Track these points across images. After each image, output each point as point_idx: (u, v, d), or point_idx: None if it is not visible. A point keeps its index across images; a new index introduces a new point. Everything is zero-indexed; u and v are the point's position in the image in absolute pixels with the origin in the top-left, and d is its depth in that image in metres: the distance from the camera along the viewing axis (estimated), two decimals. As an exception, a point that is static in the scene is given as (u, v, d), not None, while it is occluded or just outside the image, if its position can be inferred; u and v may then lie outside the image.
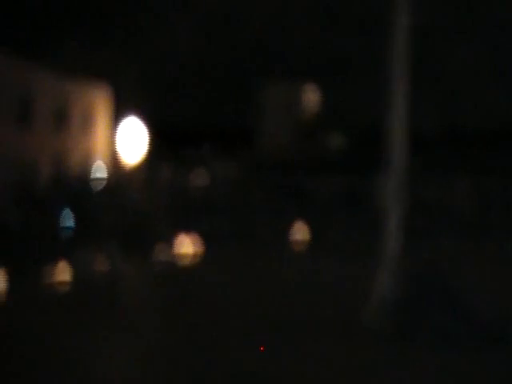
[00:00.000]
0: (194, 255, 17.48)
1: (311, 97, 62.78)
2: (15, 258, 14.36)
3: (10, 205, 19.23)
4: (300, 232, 20.90)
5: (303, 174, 29.45)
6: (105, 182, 23.61)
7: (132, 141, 27.89)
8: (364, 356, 8.09)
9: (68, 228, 17.30)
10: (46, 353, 8.26)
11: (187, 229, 18.68)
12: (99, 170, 35.91)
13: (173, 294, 12.32)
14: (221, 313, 10.59)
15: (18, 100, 33.76)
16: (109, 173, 33.10)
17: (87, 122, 40.43)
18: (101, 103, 41.76)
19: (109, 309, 10.82)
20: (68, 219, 17.69)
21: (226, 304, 11.33)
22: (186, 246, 17.90)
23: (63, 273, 13.61)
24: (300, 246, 19.55)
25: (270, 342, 8.66)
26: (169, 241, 17.02)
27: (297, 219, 25.00)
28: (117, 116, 38.24)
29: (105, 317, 10.18)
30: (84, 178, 28.24)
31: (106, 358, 8.08)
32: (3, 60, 32.17)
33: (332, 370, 7.52)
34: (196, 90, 59.94)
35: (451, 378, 7.43)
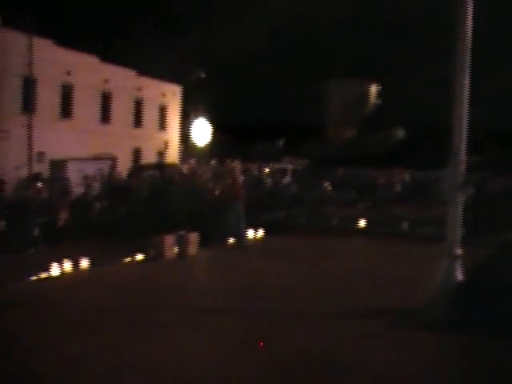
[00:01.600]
0: (264, 243, 17.80)
1: (376, 93, 62.88)
2: (103, 240, 15.51)
3: (98, 194, 20.71)
4: (366, 222, 20.88)
5: (368, 167, 29.73)
6: (178, 172, 24.79)
7: (203, 135, 29.04)
8: (421, 345, 7.92)
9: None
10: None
11: (258, 219, 19.11)
12: (173, 161, 37.43)
13: (244, 279, 12.32)
14: (290, 298, 10.58)
15: (100, 97, 35.92)
16: (181, 164, 34.45)
17: (161, 117, 42.23)
18: (173, 99, 43.41)
19: (180, 291, 11.09)
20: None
21: (296, 288, 11.37)
22: (257, 234, 18.47)
23: (141, 253, 14.38)
24: (366, 235, 19.19)
25: (329, 327, 8.73)
26: (239, 229, 17.00)
27: (363, 211, 25.36)
28: (188, 112, 39.61)
29: (177, 299, 10.42)
30: (159, 167, 29.52)
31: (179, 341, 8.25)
32: (87, 61, 34.33)
33: (389, 359, 7.44)
34: (266, 87, 60.71)
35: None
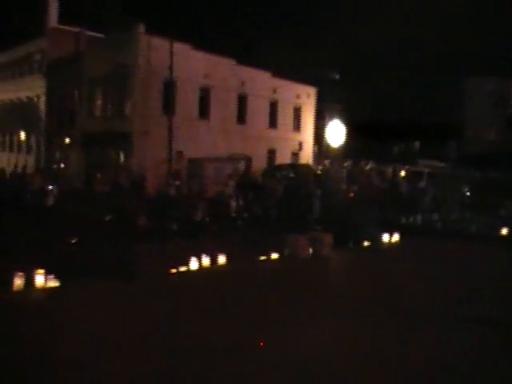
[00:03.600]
0: (399, 247, 17.50)
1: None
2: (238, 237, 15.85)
3: (234, 192, 21.22)
4: (508, 230, 19.79)
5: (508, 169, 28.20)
6: (312, 173, 24.82)
7: (337, 136, 28.82)
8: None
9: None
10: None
11: (393, 223, 18.83)
12: (307, 162, 37.56)
13: (377, 282, 12.27)
14: (418, 302, 10.48)
15: (237, 99, 36.78)
16: (315, 165, 34.54)
17: (295, 118, 42.52)
18: (308, 101, 43.55)
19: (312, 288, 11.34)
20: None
21: (425, 292, 11.24)
22: (392, 238, 18.00)
23: (276, 252, 14.53)
24: (508, 243, 18.15)
25: (452, 333, 8.62)
26: (373, 232, 17.01)
27: (504, 217, 24.04)
28: (323, 113, 39.63)
29: (309, 299, 10.53)
30: (293, 168, 29.75)
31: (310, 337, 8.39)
32: (224, 64, 35.29)
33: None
34: (402, 87, 59.44)
35: None
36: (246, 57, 38.33)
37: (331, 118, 29.89)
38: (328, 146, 29.89)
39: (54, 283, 10.85)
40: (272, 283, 11.81)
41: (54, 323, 8.66)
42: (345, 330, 8.71)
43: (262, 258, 14.42)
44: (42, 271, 10.79)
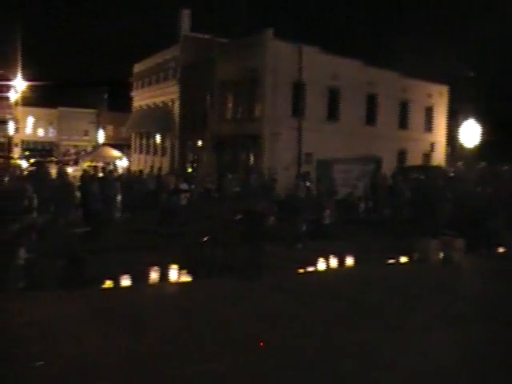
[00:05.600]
0: None
1: None
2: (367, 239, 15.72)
3: (363, 194, 21.11)
4: None
5: None
6: (444, 175, 23.99)
7: (472, 136, 27.70)
8: None
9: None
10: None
11: None
12: (439, 163, 36.45)
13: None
14: None
15: (365, 100, 36.44)
16: (448, 167, 33.41)
17: (427, 118, 41.42)
18: (440, 100, 42.28)
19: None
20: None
21: None
22: None
23: (405, 255, 14.15)
24: None
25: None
26: (509, 238, 15.81)
27: None
28: (456, 112, 38.22)
29: (441, 305, 10.21)
30: (424, 169, 28.92)
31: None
32: (351, 65, 35.10)
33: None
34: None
35: None
36: (374, 57, 37.73)
37: (465, 117, 28.68)
38: (461, 146, 28.76)
39: (186, 279, 11.34)
40: (400, 287, 11.58)
41: (184, 316, 9.03)
42: (476, 337, 8.47)
43: (391, 261, 14.18)
44: (175, 266, 11.32)
